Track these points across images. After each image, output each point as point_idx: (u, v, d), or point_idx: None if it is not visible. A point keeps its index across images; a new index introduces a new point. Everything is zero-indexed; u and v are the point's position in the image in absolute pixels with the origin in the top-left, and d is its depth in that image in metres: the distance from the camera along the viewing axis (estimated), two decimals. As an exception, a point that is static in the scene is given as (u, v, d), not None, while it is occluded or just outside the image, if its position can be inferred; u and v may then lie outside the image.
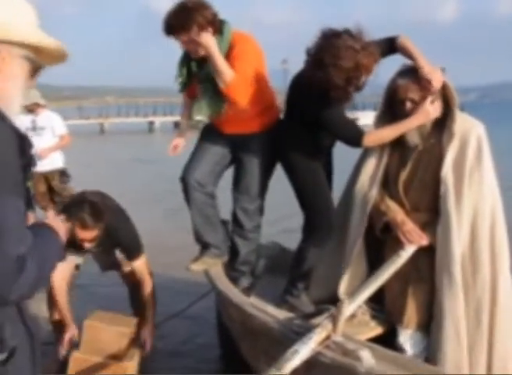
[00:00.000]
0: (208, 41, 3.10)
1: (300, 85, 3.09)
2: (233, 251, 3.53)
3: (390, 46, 2.92)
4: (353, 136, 2.98)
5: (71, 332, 3.63)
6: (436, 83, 2.75)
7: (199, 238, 3.51)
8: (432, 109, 2.81)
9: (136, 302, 4.07)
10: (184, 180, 3.37)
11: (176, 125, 32.22)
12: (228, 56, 3.18)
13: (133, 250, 3.87)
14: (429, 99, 2.80)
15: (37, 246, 1.33)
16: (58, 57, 1.51)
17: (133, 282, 4.07)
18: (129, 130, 38.98)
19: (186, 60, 3.34)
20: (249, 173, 3.40)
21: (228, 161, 3.51)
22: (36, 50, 1.43)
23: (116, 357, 3.52)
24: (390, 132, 2.91)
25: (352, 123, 3.08)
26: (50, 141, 6.65)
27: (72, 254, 3.71)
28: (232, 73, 3.12)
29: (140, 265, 3.89)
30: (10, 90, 1.40)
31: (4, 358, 1.35)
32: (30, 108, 6.56)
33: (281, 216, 7.35)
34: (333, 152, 3.44)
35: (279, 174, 3.45)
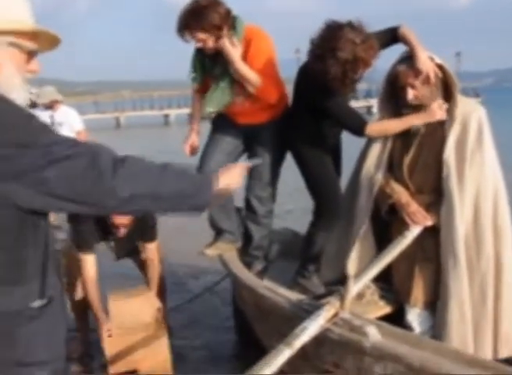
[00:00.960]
0: (230, 50, 3.20)
1: (305, 75, 3.19)
2: (247, 237, 3.65)
3: (392, 36, 3.02)
4: (357, 125, 3.09)
5: (106, 326, 3.63)
6: (431, 75, 2.84)
7: (214, 224, 3.62)
8: (438, 112, 2.90)
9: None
10: (201, 171, 3.47)
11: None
12: (244, 53, 3.27)
13: (151, 233, 3.97)
14: (438, 102, 2.90)
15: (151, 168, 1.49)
16: (53, 41, 1.58)
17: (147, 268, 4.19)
18: (144, 124, 39.17)
19: (200, 56, 3.42)
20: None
21: (241, 150, 3.62)
22: (32, 37, 1.49)
23: (147, 328, 3.60)
24: (394, 125, 3.02)
25: (355, 113, 3.18)
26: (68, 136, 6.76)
27: (98, 242, 3.86)
28: (258, 78, 3.24)
29: (153, 248, 4.01)
30: (3, 78, 1.43)
31: (44, 303, 1.47)
32: (49, 105, 6.70)
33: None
34: (341, 139, 3.54)
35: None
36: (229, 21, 3.24)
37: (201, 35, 3.19)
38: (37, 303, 1.46)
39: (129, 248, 4.10)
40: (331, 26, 2.90)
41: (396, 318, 2.97)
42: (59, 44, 1.60)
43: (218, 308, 4.67)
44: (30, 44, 1.49)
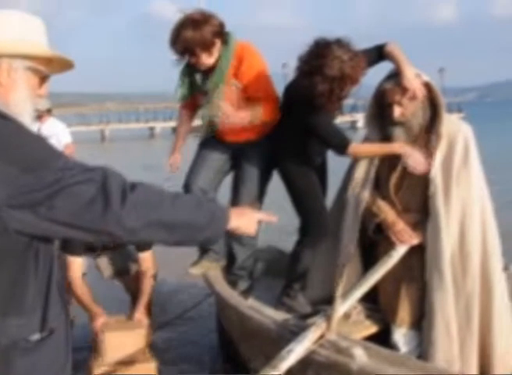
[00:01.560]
0: (234, 118, 3.20)
1: (292, 91, 3.18)
2: (231, 257, 3.57)
3: (379, 54, 3.02)
4: (339, 144, 3.08)
5: (101, 318, 3.55)
6: (417, 92, 2.83)
7: (199, 243, 3.57)
8: (418, 161, 2.86)
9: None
10: (188, 188, 3.40)
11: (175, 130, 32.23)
12: (236, 69, 3.24)
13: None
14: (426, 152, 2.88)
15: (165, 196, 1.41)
16: (66, 66, 1.60)
17: (136, 289, 4.10)
18: (130, 136, 38.96)
19: (189, 70, 3.37)
20: (247, 179, 3.46)
21: (228, 167, 3.57)
22: (46, 61, 1.51)
23: (136, 360, 3.41)
24: (376, 150, 3.03)
25: (339, 132, 3.17)
26: (55, 149, 6.65)
27: (90, 255, 3.80)
28: (261, 113, 3.23)
29: (147, 258, 3.97)
30: (16, 101, 1.44)
31: (43, 336, 1.41)
32: (39, 115, 6.55)
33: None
34: (327, 156, 3.52)
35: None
36: (222, 36, 3.20)
37: (194, 50, 3.15)
38: (36, 336, 1.40)
39: (120, 266, 4.03)
40: (319, 43, 2.89)
41: (383, 337, 2.94)
42: (72, 68, 1.62)
43: (203, 325, 4.60)
44: (44, 69, 1.51)
